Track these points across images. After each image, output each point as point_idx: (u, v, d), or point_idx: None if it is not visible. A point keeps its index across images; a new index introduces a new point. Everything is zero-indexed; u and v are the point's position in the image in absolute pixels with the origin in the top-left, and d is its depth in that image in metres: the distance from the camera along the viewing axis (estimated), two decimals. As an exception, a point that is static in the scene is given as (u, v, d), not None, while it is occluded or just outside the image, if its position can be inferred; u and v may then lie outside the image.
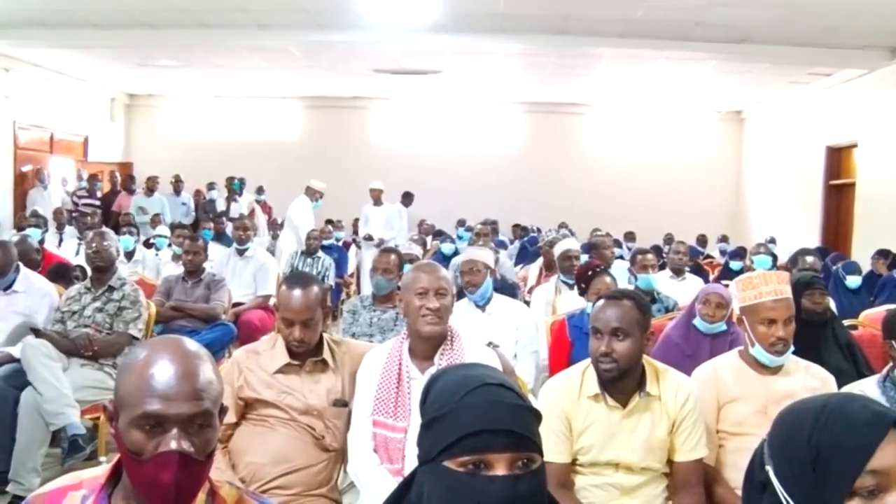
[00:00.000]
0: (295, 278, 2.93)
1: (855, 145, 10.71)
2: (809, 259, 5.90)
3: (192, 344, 1.45)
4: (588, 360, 2.67)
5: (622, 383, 2.53)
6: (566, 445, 2.53)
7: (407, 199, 13.23)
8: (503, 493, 1.22)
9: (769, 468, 1.23)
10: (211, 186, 12.19)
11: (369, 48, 10.25)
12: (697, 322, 4.02)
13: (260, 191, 13.11)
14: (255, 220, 10.60)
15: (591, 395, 2.56)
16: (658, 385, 2.58)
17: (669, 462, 2.59)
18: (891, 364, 2.97)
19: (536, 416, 1.28)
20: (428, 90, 13.76)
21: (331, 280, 7.91)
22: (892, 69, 9.43)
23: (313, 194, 9.61)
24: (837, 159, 11.53)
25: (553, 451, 2.51)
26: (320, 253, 8.30)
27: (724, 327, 4.01)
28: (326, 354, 2.83)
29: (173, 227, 8.88)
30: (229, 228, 8.63)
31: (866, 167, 10.32)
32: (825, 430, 1.18)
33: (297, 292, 2.77)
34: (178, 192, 12.17)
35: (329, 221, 11.79)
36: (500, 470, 1.23)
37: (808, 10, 7.75)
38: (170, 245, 8.01)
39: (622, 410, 2.54)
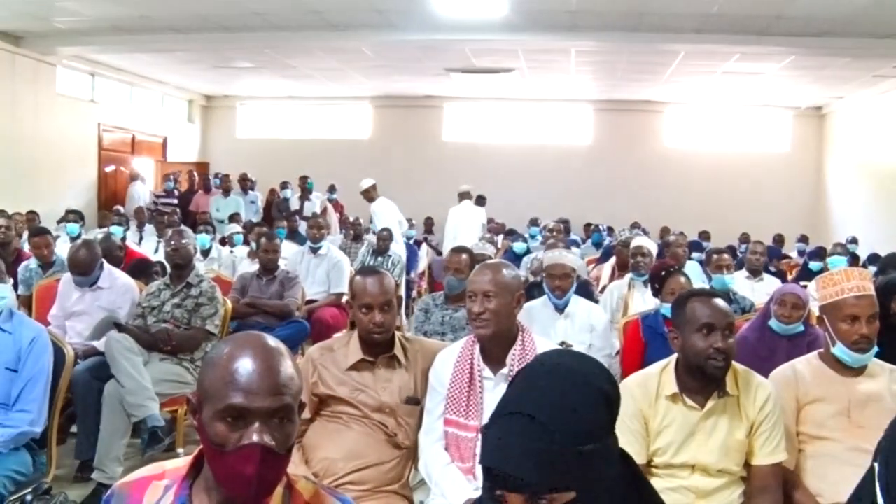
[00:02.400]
0: (365, 270, 3.01)
1: (941, 141, 10.35)
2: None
3: (273, 340, 1.47)
4: (667, 360, 2.64)
5: (701, 383, 2.50)
6: (642, 446, 2.51)
7: (480, 200, 13.23)
8: None
9: (875, 464, 1.17)
10: (284, 185, 12.38)
11: (441, 47, 10.30)
12: (773, 323, 3.93)
13: (332, 189, 13.26)
14: (327, 218, 10.73)
15: (669, 395, 2.54)
16: (737, 386, 2.54)
17: (747, 465, 2.54)
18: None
19: (566, 456, 1.21)
20: (500, 89, 13.75)
21: (398, 277, 7.94)
22: (981, 61, 9.08)
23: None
24: (924, 156, 11.15)
25: (627, 451, 2.48)
26: (391, 251, 8.35)
27: (801, 328, 3.92)
28: (398, 351, 2.85)
29: (249, 225, 9.05)
30: (303, 227, 8.76)
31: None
32: None
33: (371, 279, 2.84)
34: (245, 190, 12.38)
35: (400, 220, 11.85)
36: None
37: (888, 2, 7.50)
38: (246, 242, 8.16)
39: (700, 411, 2.50)
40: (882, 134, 12.28)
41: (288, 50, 11.06)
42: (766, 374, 2.90)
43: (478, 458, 2.59)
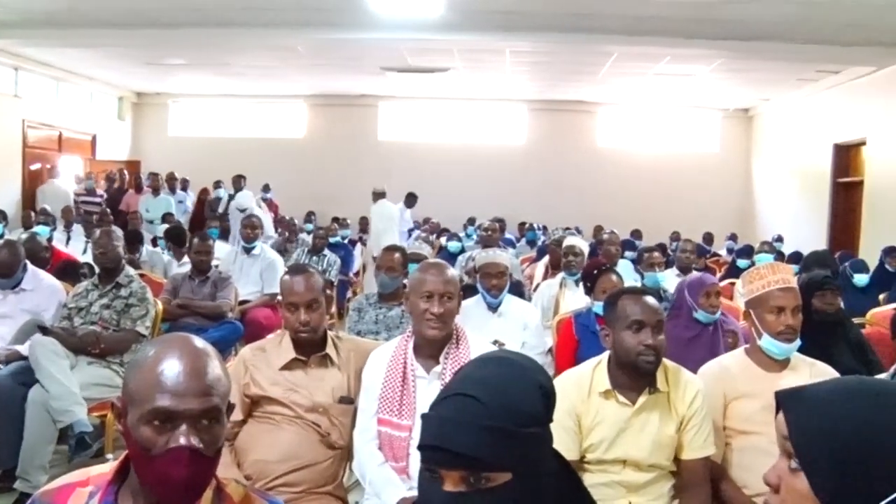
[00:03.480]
0: (294, 268, 3.01)
1: (863, 143, 10.68)
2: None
3: (200, 341, 1.46)
4: (599, 358, 2.67)
5: (633, 380, 2.55)
6: (575, 442, 2.54)
7: (410, 199, 13.26)
8: None
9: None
10: (217, 185, 12.19)
11: (377, 46, 10.26)
12: (700, 315, 4.05)
13: (266, 189, 13.13)
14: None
15: (602, 392, 2.57)
16: (668, 382, 2.59)
17: (676, 460, 2.59)
18: (899, 362, 2.97)
19: (506, 434, 1.22)
20: (436, 88, 13.76)
21: (333, 277, 7.90)
22: (899, 67, 9.41)
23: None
24: (845, 157, 11.50)
25: (561, 447, 2.50)
26: (326, 251, 8.30)
27: (719, 315, 4.11)
28: (330, 349, 2.85)
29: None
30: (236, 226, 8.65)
31: (875, 165, 10.28)
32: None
33: (298, 277, 2.85)
34: (173, 189, 12.15)
35: (335, 219, 11.80)
36: (448, 485, 1.23)
37: (819, 8, 7.73)
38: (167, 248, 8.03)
39: (632, 407, 2.54)
40: (806, 136, 12.63)
41: (222, 47, 10.89)
42: (694, 356, 2.98)
43: (411, 458, 2.60)
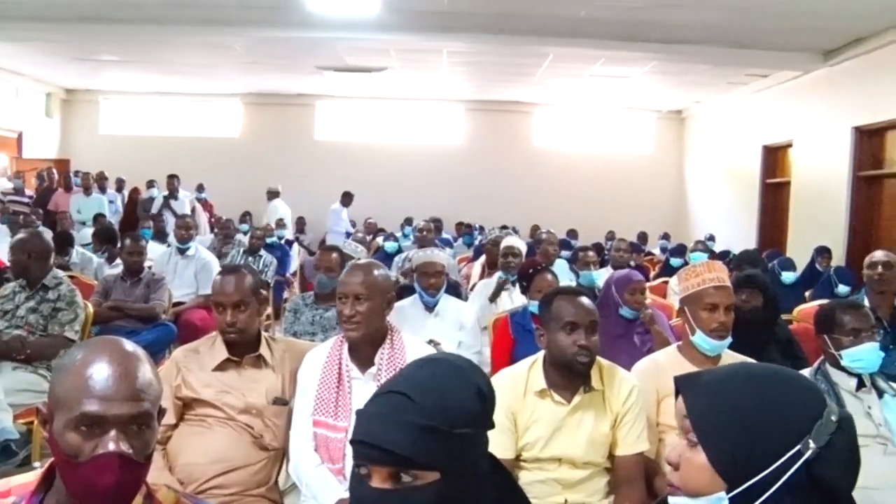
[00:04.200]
0: (226, 268, 2.99)
1: (790, 145, 10.94)
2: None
3: (129, 345, 1.42)
4: (534, 357, 2.70)
5: (568, 379, 2.57)
6: (511, 441, 2.55)
7: (346, 198, 13.23)
8: None
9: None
10: (150, 184, 11.95)
11: (314, 45, 10.18)
12: (625, 312, 4.13)
13: (200, 189, 12.92)
14: (196, 218, 10.45)
15: (538, 392, 2.59)
16: (602, 381, 2.62)
17: (611, 456, 2.62)
18: (822, 357, 3.06)
19: (436, 433, 1.22)
20: (372, 88, 13.71)
21: (270, 278, 7.83)
22: (823, 72, 9.67)
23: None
24: (774, 158, 11.77)
25: (498, 446, 2.52)
26: (262, 251, 8.22)
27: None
28: (264, 350, 2.82)
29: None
30: (170, 227, 8.50)
31: (800, 166, 10.57)
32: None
33: (226, 278, 2.83)
34: (103, 189, 11.88)
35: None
36: (376, 482, 1.23)
37: (749, 15, 7.91)
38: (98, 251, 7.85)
39: (567, 406, 2.57)
40: (736, 137, 12.91)
41: (156, 43, 10.64)
42: (623, 357, 3.03)
43: (347, 459, 2.59)
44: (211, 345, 2.83)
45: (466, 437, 1.26)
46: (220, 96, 15.18)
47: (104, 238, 7.70)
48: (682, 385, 1.31)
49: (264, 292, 3.18)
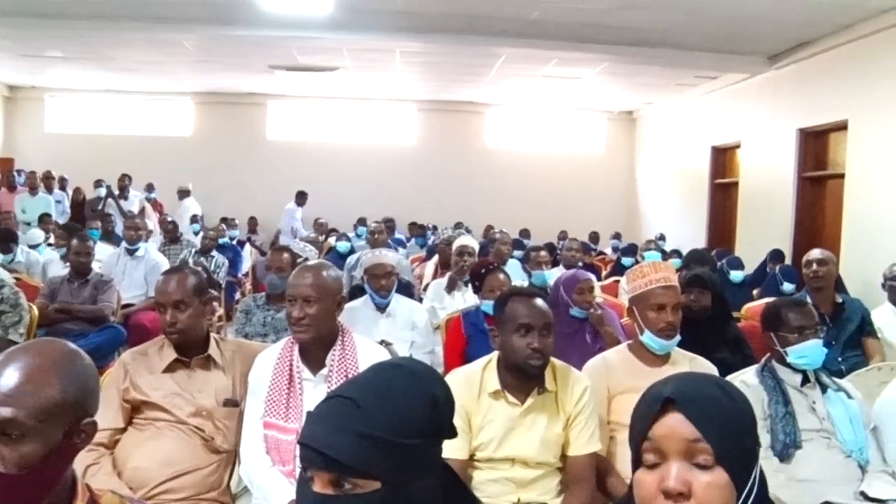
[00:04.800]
0: (170, 269, 2.96)
1: (738, 146, 11.13)
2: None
3: (24, 349, 1.35)
4: (489, 357, 2.70)
5: (522, 380, 2.58)
6: (465, 442, 2.55)
7: (301, 198, 13.17)
8: None
9: None
10: (98, 184, 11.72)
11: (266, 44, 10.08)
12: (575, 311, 4.18)
13: (150, 188, 12.73)
14: (145, 218, 10.30)
15: (492, 392, 2.60)
16: (556, 381, 2.64)
17: (564, 456, 2.64)
18: (769, 354, 3.12)
19: (380, 442, 1.19)
20: (325, 87, 13.63)
21: (221, 279, 7.76)
22: (769, 75, 9.85)
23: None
24: (722, 159, 11.95)
25: (452, 447, 2.53)
26: (214, 252, 8.14)
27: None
28: (213, 351, 2.78)
29: (55, 227, 8.53)
30: (119, 227, 8.37)
31: (748, 167, 10.76)
32: (634, 409, 1.34)
33: (167, 277, 2.80)
34: (49, 189, 11.63)
35: (224, 220, 11.56)
36: (317, 486, 1.21)
37: (698, 18, 8.02)
38: (50, 245, 7.71)
39: (521, 407, 2.58)
40: (685, 138, 13.09)
41: (104, 40, 10.42)
42: (574, 356, 3.07)
43: (298, 461, 2.57)
44: (160, 347, 2.78)
45: (414, 447, 1.22)
46: (171, 95, 14.95)
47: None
48: (681, 403, 1.25)
49: (215, 293, 3.15)
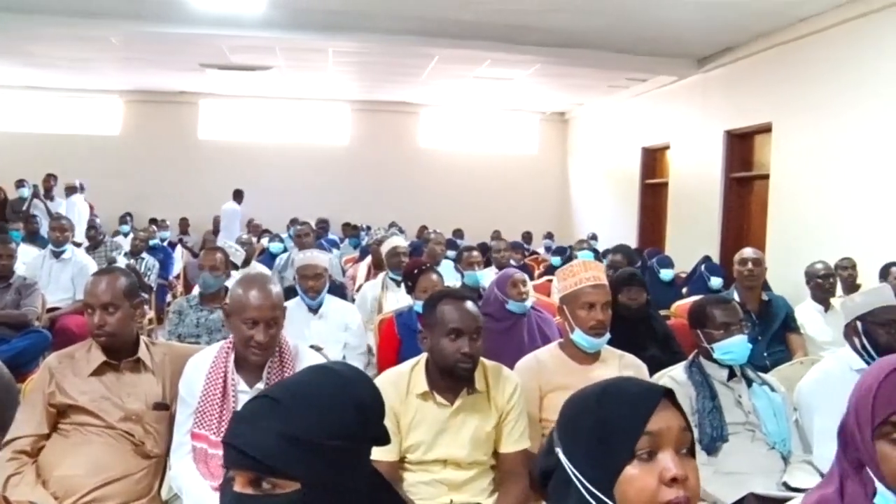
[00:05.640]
0: (101, 270, 2.91)
1: (667, 147, 11.33)
2: (617, 258, 6.48)
3: None
4: (417, 359, 2.70)
5: (451, 382, 2.58)
6: (394, 443, 2.54)
7: (238, 196, 13.01)
8: None
9: (558, 450, 1.31)
10: (20, 184, 11.37)
11: (196, 42, 9.90)
12: (512, 306, 4.22)
13: (81, 188, 12.39)
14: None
15: (420, 394, 2.60)
16: (486, 381, 2.65)
17: (496, 454, 2.65)
18: (696, 351, 3.19)
19: (300, 443, 1.18)
20: (258, 86, 13.46)
21: (153, 281, 7.61)
22: (697, 78, 10.07)
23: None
24: (652, 160, 12.14)
25: (380, 448, 2.52)
26: (144, 254, 7.98)
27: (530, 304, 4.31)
28: (143, 354, 2.72)
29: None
30: (44, 229, 8.13)
31: (676, 167, 10.96)
32: (607, 405, 1.30)
33: (96, 278, 2.73)
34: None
35: (153, 221, 11.35)
36: (238, 485, 1.20)
37: (627, 20, 8.15)
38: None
39: (450, 408, 2.58)
40: (617, 139, 13.27)
41: (24, 34, 10.08)
42: (507, 353, 3.10)
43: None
44: (87, 350, 2.71)
45: (337, 449, 1.21)
46: (98, 92, 14.57)
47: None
48: (673, 399, 1.31)
49: (145, 295, 3.08)
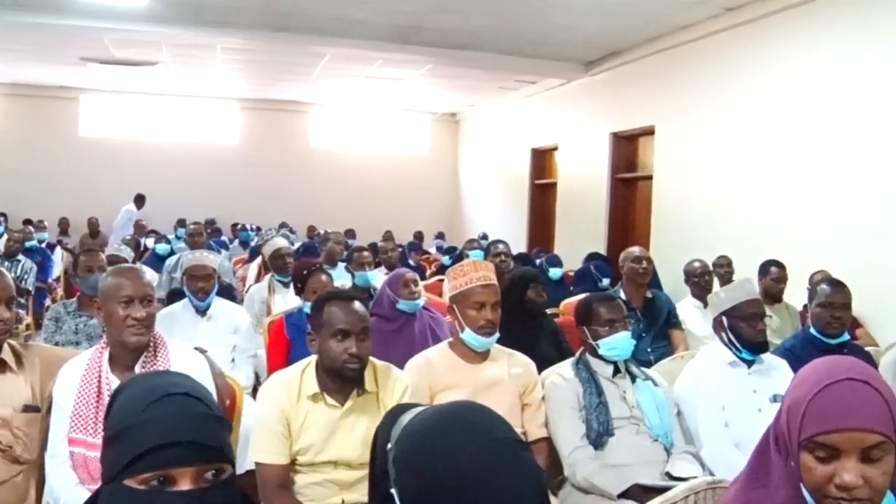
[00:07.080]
0: None
1: (556, 148, 11.56)
2: (501, 247, 6.64)
3: None
4: (307, 360, 2.68)
5: (340, 383, 2.57)
6: (285, 446, 2.52)
7: (140, 201, 12.65)
8: None
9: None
10: None
11: (77, 34, 9.48)
12: (403, 305, 4.25)
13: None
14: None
15: (311, 395, 2.58)
16: (376, 382, 2.65)
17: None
18: (583, 348, 3.27)
19: (224, 425, 1.25)
20: (143, 82, 13.04)
21: (30, 284, 7.29)
22: (584, 81, 10.31)
23: None
24: (541, 160, 12.36)
25: (272, 452, 2.50)
26: (21, 256, 7.63)
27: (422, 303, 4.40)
28: (6, 355, 2.58)
29: None
30: None
31: (564, 168, 11.20)
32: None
33: None
34: None
35: (28, 221, 10.86)
36: (185, 484, 1.17)
37: (517, 23, 8.27)
38: None
39: (340, 409, 2.57)
40: (507, 140, 13.45)
41: None
42: (397, 352, 3.11)
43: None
44: None
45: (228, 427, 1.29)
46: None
47: None
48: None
49: (22, 300, 2.94)
